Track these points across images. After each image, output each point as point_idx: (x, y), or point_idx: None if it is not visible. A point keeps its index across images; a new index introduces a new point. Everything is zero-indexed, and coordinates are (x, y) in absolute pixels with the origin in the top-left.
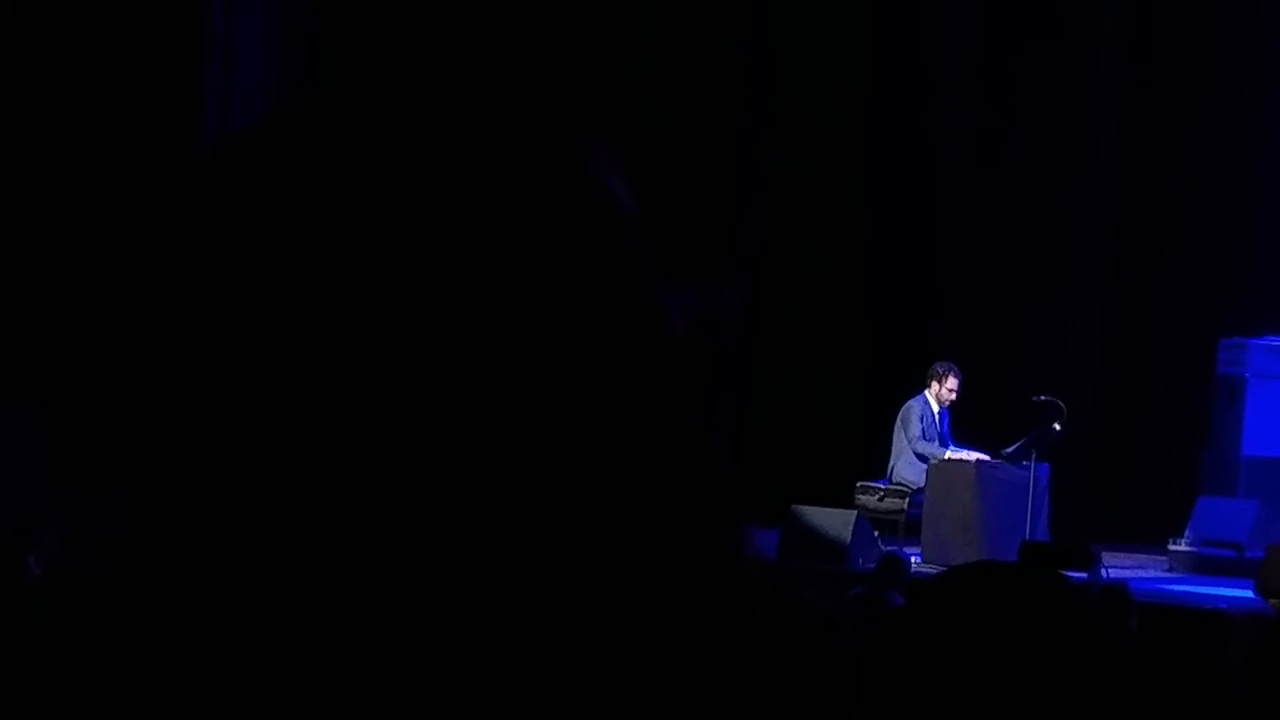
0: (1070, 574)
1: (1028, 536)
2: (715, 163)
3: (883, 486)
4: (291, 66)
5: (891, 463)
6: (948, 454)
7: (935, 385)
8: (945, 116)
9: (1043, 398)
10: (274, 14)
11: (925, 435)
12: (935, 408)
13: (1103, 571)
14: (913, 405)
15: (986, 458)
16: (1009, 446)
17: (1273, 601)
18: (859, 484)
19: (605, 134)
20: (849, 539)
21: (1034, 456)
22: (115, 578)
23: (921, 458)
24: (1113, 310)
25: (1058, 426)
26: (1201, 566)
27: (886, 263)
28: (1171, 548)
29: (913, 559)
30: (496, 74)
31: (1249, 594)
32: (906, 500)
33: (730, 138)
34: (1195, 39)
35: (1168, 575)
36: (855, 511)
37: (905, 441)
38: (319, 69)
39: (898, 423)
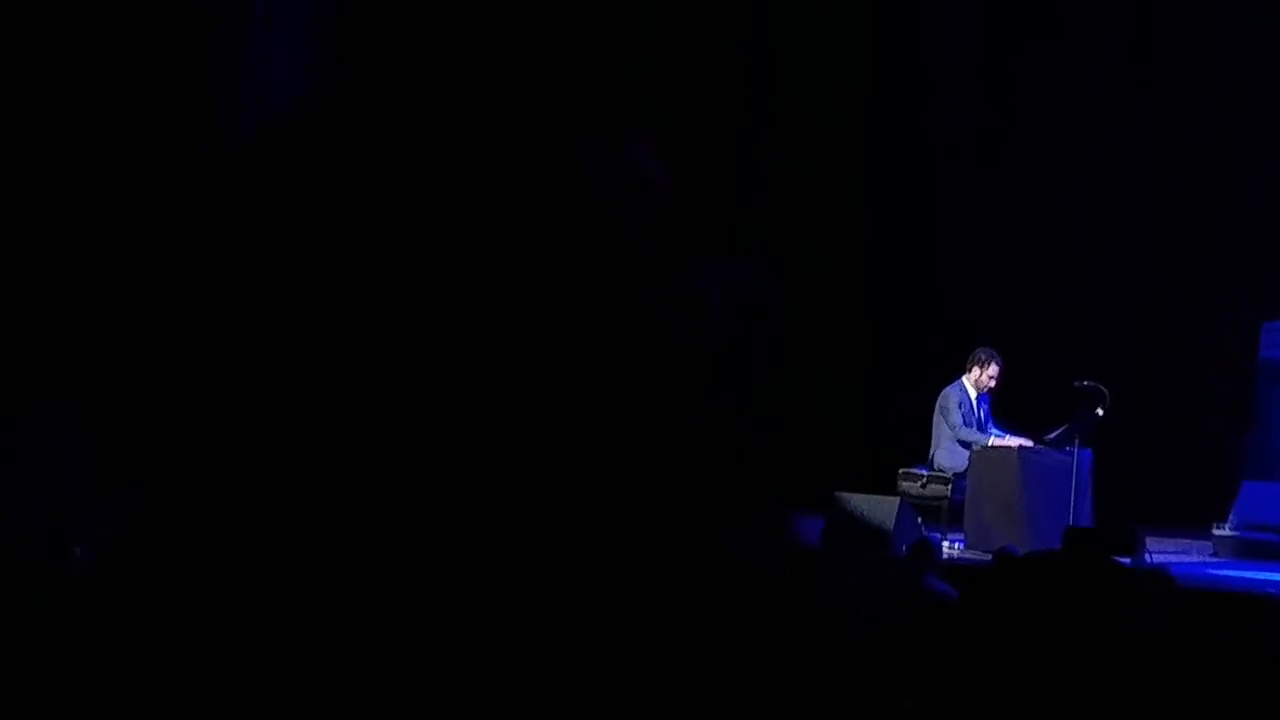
0: (1114, 559)
1: (1071, 522)
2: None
3: (925, 473)
4: (324, 56)
5: (931, 450)
6: (991, 440)
7: (976, 371)
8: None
9: (1085, 383)
10: (311, 5)
11: (965, 422)
12: (973, 394)
13: (1147, 556)
14: (950, 393)
15: (1029, 444)
16: (1051, 432)
17: None
18: (901, 470)
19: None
20: (892, 525)
21: (1077, 442)
22: (141, 565)
23: (965, 445)
24: (1155, 295)
25: (1100, 411)
26: (1246, 551)
27: (924, 249)
28: (1216, 532)
29: (957, 545)
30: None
31: None
32: (949, 486)
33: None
34: (1239, 20)
35: (1212, 560)
36: (899, 498)
37: (944, 429)
38: (351, 60)
39: (936, 410)
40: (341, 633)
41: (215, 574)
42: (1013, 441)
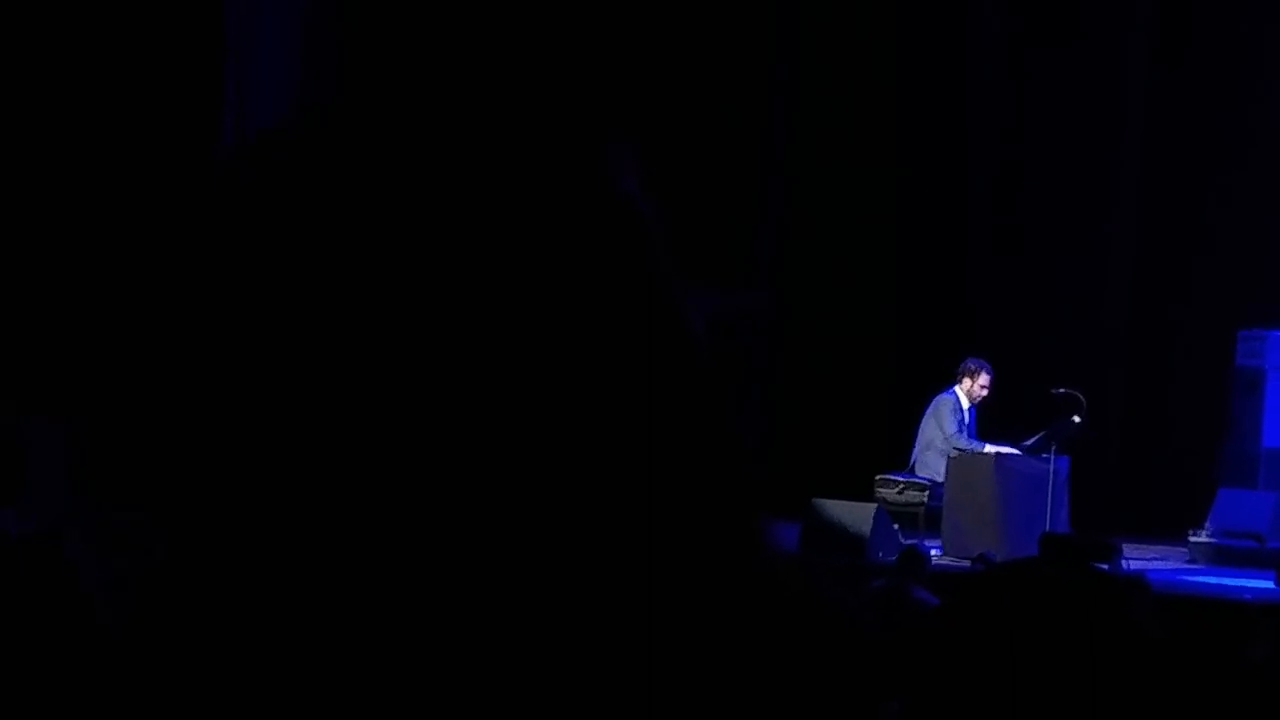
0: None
1: (1048, 529)
2: (739, 164)
3: (902, 479)
4: (310, 67)
5: (917, 453)
6: (988, 449)
7: (968, 382)
8: (969, 117)
9: (1062, 390)
10: (292, 14)
11: (960, 431)
12: (965, 404)
13: (1123, 563)
14: (946, 400)
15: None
16: (1028, 439)
17: None
18: (879, 477)
19: (628, 137)
20: (869, 532)
21: (1053, 449)
22: (150, 581)
23: (959, 451)
24: (1132, 303)
25: (1077, 419)
26: (1222, 558)
27: (906, 257)
28: (1192, 539)
29: (933, 551)
30: (519, 79)
31: (1270, 585)
32: (926, 493)
33: (754, 138)
34: (1221, 31)
35: (1188, 566)
36: (875, 504)
37: (935, 433)
38: (338, 70)
39: (929, 415)
40: (344, 634)
41: (219, 582)
42: (1008, 451)
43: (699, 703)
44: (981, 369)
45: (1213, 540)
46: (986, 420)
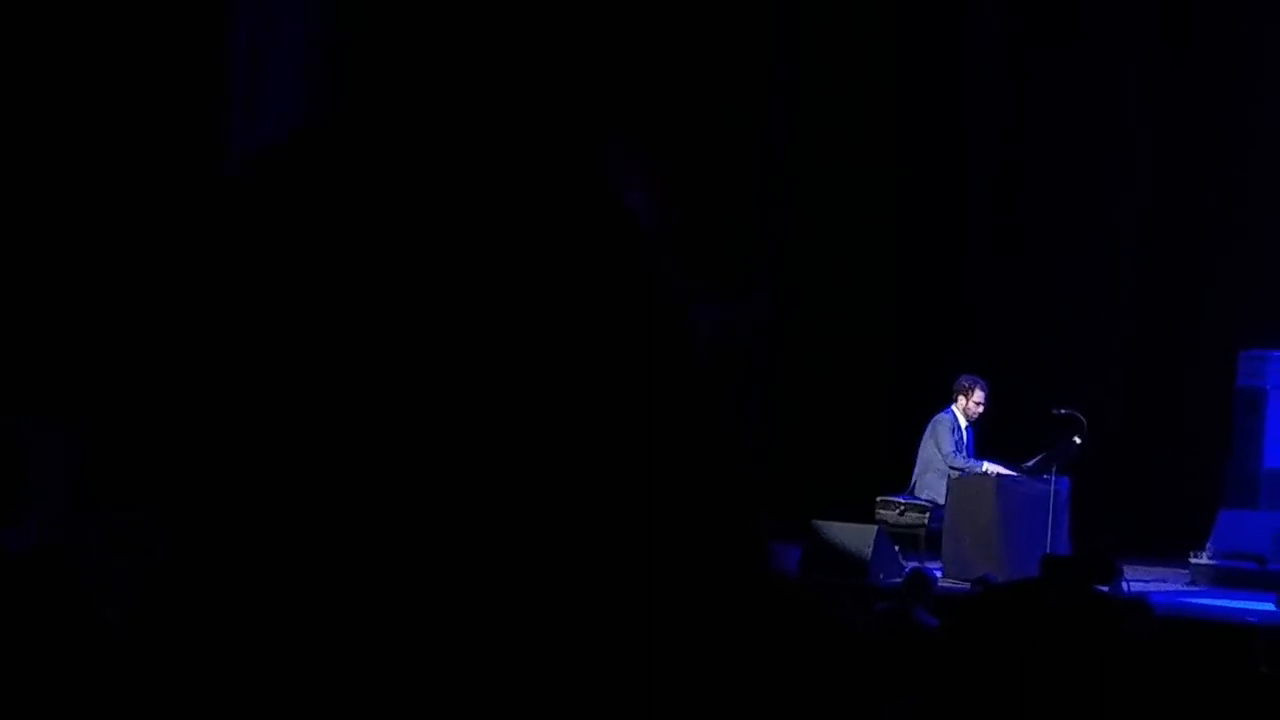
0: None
1: (1049, 550)
2: (739, 165)
3: (903, 501)
4: (317, 77)
5: (917, 474)
6: (986, 467)
7: (963, 399)
8: (973, 129)
9: (1063, 411)
10: (299, 24)
11: (957, 450)
12: (963, 422)
13: (1124, 585)
14: (943, 419)
15: (1009, 472)
16: (1029, 460)
17: None
18: (879, 499)
19: (629, 138)
20: (870, 554)
21: (1054, 470)
22: (154, 580)
23: (957, 471)
24: (1133, 323)
25: (1078, 440)
26: (1223, 579)
27: (910, 276)
28: (1193, 561)
29: (935, 574)
30: (520, 82)
31: (1271, 607)
32: (927, 515)
33: (754, 138)
34: (1222, 52)
35: (1189, 588)
36: (876, 526)
37: (934, 454)
38: (345, 79)
39: (927, 435)
40: (345, 634)
41: (216, 588)
42: (1007, 470)
43: (697, 703)
44: (975, 385)
45: (1214, 562)
46: (989, 441)
